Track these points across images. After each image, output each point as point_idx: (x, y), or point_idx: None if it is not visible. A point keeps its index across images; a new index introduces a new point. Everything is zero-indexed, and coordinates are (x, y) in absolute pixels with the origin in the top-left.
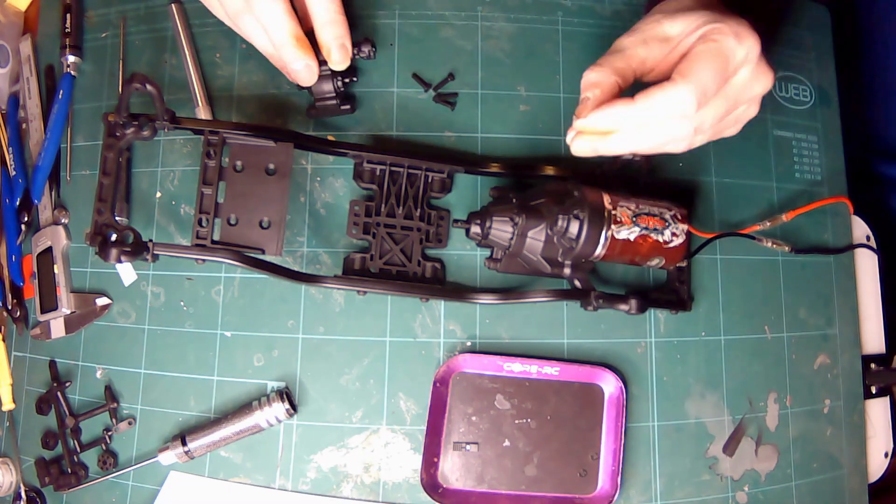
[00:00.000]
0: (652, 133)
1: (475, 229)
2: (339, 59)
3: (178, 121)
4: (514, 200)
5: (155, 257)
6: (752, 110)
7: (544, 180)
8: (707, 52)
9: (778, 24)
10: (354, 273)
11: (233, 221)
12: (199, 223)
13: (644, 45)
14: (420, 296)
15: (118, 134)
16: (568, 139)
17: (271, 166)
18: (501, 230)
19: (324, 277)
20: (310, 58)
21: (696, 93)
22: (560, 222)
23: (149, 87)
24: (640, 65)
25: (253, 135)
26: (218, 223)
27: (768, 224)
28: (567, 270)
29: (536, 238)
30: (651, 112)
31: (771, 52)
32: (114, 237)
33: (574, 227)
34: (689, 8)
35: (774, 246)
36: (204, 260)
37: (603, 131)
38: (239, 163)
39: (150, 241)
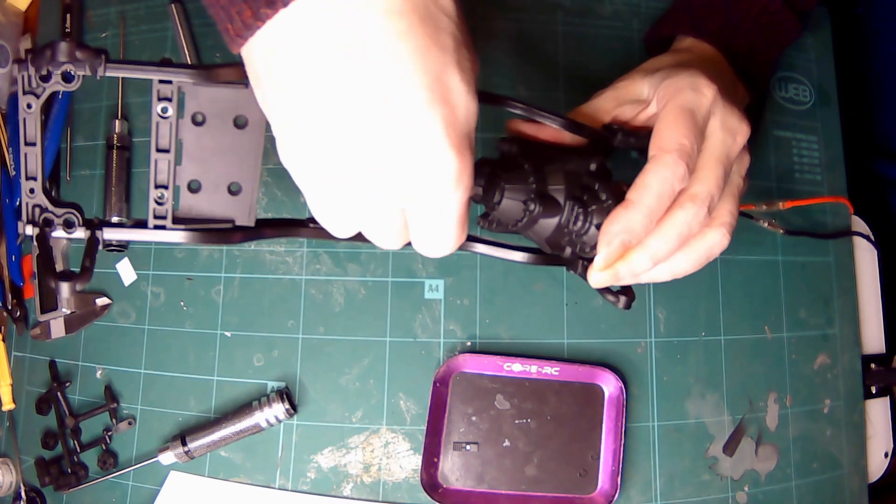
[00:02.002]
0: (666, 235)
1: (481, 192)
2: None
3: (115, 62)
4: (527, 167)
5: (107, 245)
6: (740, 178)
7: (561, 153)
8: (670, 115)
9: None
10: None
11: (194, 187)
12: (158, 200)
13: (618, 106)
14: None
15: (35, 88)
16: (590, 278)
17: (241, 117)
18: (512, 210)
19: (289, 227)
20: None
21: (681, 156)
22: (579, 223)
23: None
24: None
25: (218, 82)
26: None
27: (764, 207)
28: (568, 253)
29: (547, 224)
30: (653, 196)
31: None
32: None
33: (592, 233)
34: (663, 67)
35: (769, 226)
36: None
37: (622, 251)
38: (200, 114)
39: (97, 218)
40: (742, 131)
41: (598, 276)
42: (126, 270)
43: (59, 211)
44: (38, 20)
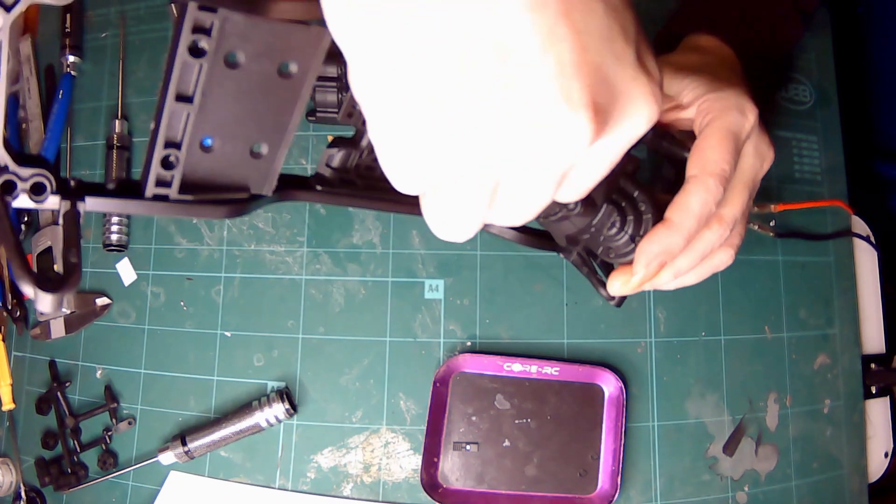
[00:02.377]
0: (691, 253)
1: None
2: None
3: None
4: None
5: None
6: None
7: None
8: (716, 135)
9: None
10: (334, 170)
11: (207, 144)
12: (164, 163)
13: None
14: (410, 211)
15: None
16: (611, 287)
17: (288, 65)
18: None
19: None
20: None
21: (722, 183)
22: (614, 230)
23: None
24: None
25: (277, 20)
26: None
27: (756, 209)
28: (575, 251)
29: (576, 222)
30: (693, 218)
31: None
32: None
33: (623, 241)
34: (694, 67)
35: (759, 229)
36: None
37: (658, 270)
38: (237, 54)
39: (76, 180)
40: (769, 157)
41: (621, 288)
42: (126, 270)
43: (26, 172)
44: (38, 20)
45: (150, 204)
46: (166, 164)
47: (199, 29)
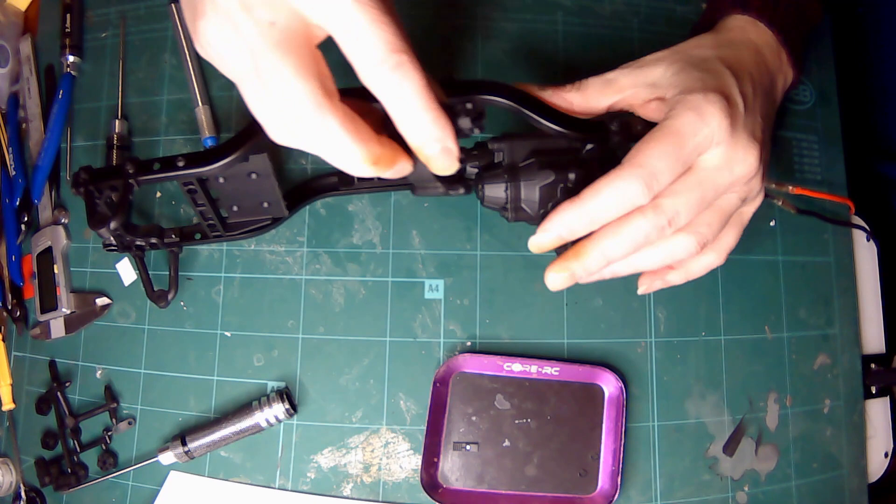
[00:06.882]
0: (620, 238)
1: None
2: (443, 167)
3: (144, 172)
4: (506, 176)
5: (177, 247)
6: (748, 206)
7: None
8: (658, 132)
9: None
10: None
11: (236, 209)
12: (210, 225)
13: (634, 88)
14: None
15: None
16: (546, 279)
17: (253, 175)
18: (494, 208)
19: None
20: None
21: (642, 177)
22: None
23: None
24: (619, 100)
25: (227, 164)
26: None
27: (773, 185)
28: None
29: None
30: (601, 204)
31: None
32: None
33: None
34: (688, 61)
35: (782, 204)
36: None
37: (558, 243)
38: (221, 179)
39: (173, 232)
40: (746, 162)
41: (554, 277)
42: (126, 270)
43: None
44: (38, 20)
45: (213, 239)
46: (210, 225)
47: (187, 184)
